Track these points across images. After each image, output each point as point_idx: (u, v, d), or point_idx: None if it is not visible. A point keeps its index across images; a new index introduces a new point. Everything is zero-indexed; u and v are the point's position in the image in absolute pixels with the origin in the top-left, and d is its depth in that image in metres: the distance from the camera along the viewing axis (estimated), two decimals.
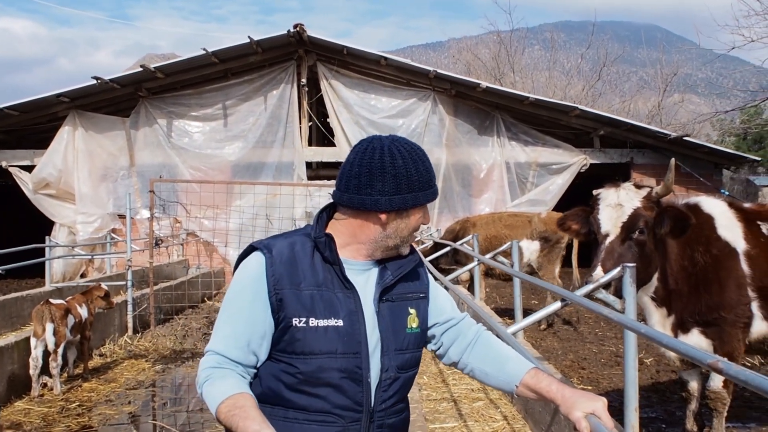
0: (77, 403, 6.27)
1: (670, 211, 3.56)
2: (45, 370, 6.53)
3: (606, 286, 3.38)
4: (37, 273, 13.78)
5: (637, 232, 3.53)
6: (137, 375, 7.41)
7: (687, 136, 15.53)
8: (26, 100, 14.70)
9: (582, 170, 15.47)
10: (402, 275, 1.86)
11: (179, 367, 7.69)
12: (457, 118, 15.74)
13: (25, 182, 15.03)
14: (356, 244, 1.82)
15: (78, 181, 14.92)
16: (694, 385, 4.08)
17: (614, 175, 13.68)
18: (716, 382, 3.84)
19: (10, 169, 15.13)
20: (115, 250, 13.98)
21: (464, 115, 15.80)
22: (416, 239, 12.84)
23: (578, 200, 3.82)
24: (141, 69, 14.48)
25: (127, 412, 6.19)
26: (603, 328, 8.61)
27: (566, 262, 9.99)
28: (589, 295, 3.26)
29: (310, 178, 15.30)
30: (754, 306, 3.85)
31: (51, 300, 6.71)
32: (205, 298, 11.85)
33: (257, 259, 1.78)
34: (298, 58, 15.32)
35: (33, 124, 15.50)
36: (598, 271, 3.38)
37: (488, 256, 7.10)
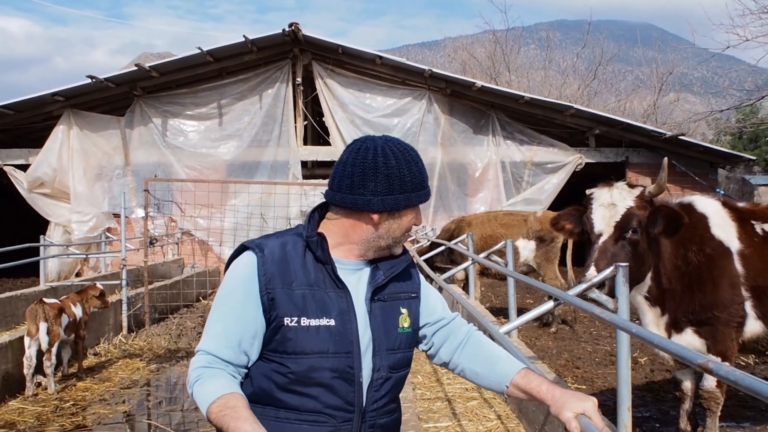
0: (71, 402, 6.26)
1: (663, 211, 3.56)
2: (39, 369, 6.52)
3: (600, 285, 3.38)
4: (32, 272, 13.73)
5: (630, 232, 3.53)
6: (132, 374, 7.40)
7: (682, 135, 15.56)
8: (21, 99, 14.65)
9: (577, 169, 15.51)
10: (394, 275, 1.86)
11: (174, 367, 7.67)
12: (453, 117, 15.75)
13: (20, 181, 14.98)
14: (348, 243, 1.81)
15: (73, 180, 14.89)
16: (687, 385, 4.08)
17: (610, 174, 13.71)
18: (710, 381, 3.85)
19: (5, 168, 15.08)
20: (110, 249, 13.95)
21: (459, 114, 15.80)
22: (411, 238, 12.86)
23: (573, 199, 3.83)
24: (136, 68, 14.44)
25: (122, 412, 6.18)
26: (598, 328, 8.62)
27: (561, 261, 9.99)
28: (582, 295, 3.26)
29: (305, 177, 15.29)
30: (748, 305, 3.86)
31: (45, 299, 6.69)
32: (200, 298, 11.84)
33: (249, 258, 1.77)
34: (293, 57, 15.30)
35: (28, 123, 15.44)
36: (592, 270, 3.38)
37: (482, 255, 7.10)
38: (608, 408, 4.63)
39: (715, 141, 29.48)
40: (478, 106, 15.76)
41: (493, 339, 3.38)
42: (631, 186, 3.67)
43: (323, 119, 15.77)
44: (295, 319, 1.72)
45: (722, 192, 17.16)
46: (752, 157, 18.76)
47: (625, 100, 31.53)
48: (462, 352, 1.96)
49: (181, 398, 6.57)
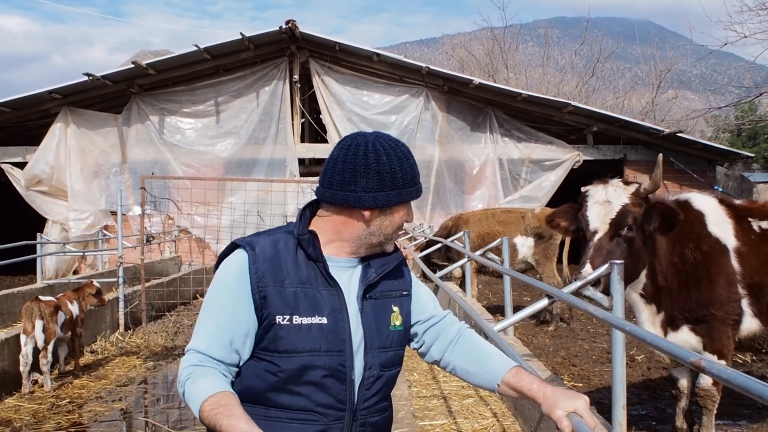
0: (68, 400, 6.25)
1: (658, 208, 3.54)
2: (36, 366, 6.51)
3: (595, 283, 3.37)
4: (30, 270, 13.72)
5: (625, 229, 3.52)
6: (128, 372, 7.38)
7: (680, 132, 15.56)
8: (18, 97, 14.63)
9: (575, 166, 15.50)
10: (385, 273, 1.85)
11: (170, 364, 7.66)
12: (450, 114, 15.73)
13: (18, 179, 14.97)
14: (340, 241, 1.80)
15: (70, 178, 14.87)
16: (684, 383, 4.08)
17: (607, 171, 13.69)
18: (706, 379, 3.84)
19: (3, 166, 15.07)
20: (108, 247, 13.93)
21: (457, 111, 15.78)
22: (409, 236, 12.84)
23: (571, 197, 3.81)
24: (133, 65, 14.40)
25: (118, 409, 6.17)
26: (595, 325, 8.62)
27: (558, 259, 9.98)
28: (577, 293, 3.24)
29: (302, 174, 15.28)
30: (744, 303, 3.85)
31: (41, 297, 6.68)
32: (197, 295, 11.82)
33: (240, 256, 1.76)
34: (290, 54, 15.27)
35: (25, 121, 15.43)
36: (587, 268, 3.37)
37: (478, 252, 7.08)
38: (604, 406, 4.63)
39: (714, 138, 29.45)
40: (475, 103, 15.74)
41: (486, 337, 3.37)
42: (627, 183, 3.66)
43: (320, 116, 15.74)
44: (287, 317, 1.71)
45: (720, 189, 17.16)
46: (750, 155, 18.75)
47: (623, 97, 31.51)
48: (453, 350, 1.94)
49: (177, 396, 6.55)
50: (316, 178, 1.98)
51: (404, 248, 14.07)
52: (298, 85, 15.35)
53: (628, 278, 3.57)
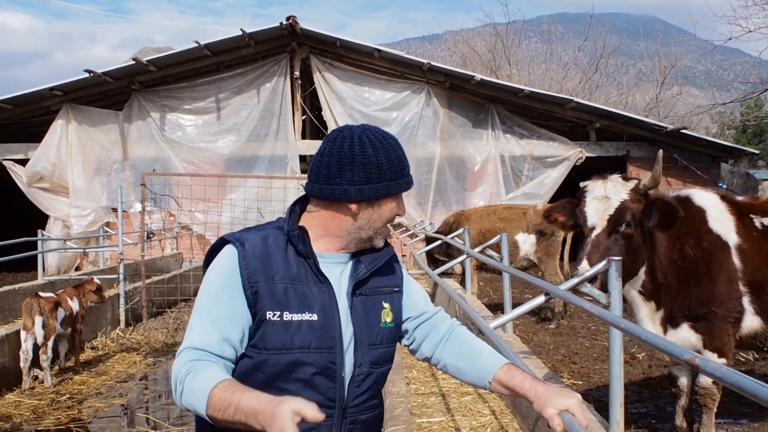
0: (67, 396, 6.28)
1: (657, 204, 3.50)
2: (36, 362, 6.53)
3: (592, 279, 3.33)
4: (32, 266, 13.74)
5: (624, 225, 3.47)
6: (128, 368, 7.40)
7: (684, 128, 15.47)
8: (19, 94, 14.64)
9: (578, 163, 15.44)
10: (376, 268, 1.82)
11: (171, 361, 7.65)
12: (452, 110, 15.68)
13: (20, 176, 15.00)
14: (329, 236, 1.77)
15: (72, 175, 14.89)
16: (683, 381, 4.04)
17: (610, 168, 13.60)
18: (706, 377, 3.80)
19: (5, 163, 15.09)
20: (109, 244, 13.94)
21: (458, 107, 15.73)
22: (410, 233, 12.80)
23: (574, 194, 3.77)
24: (133, 62, 14.39)
25: (118, 405, 6.18)
26: (596, 323, 8.57)
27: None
28: (574, 290, 3.21)
29: (303, 171, 15.23)
30: (746, 301, 3.80)
31: (40, 293, 6.69)
32: (198, 292, 11.81)
33: (230, 252, 1.73)
34: (291, 50, 15.24)
35: (26, 118, 15.44)
36: (584, 264, 3.33)
37: (477, 249, 7.05)
38: (604, 404, 4.57)
39: (719, 135, 29.30)
40: (477, 99, 15.68)
41: (482, 334, 3.34)
42: (626, 179, 3.62)
43: (321, 113, 15.71)
44: (278, 313, 1.68)
45: (725, 186, 17.06)
46: (755, 151, 18.61)
47: (626, 93, 31.38)
48: (444, 347, 1.91)
49: None
50: None
51: (397, 238, 14.03)
52: (299, 82, 15.32)
53: (627, 275, 3.53)
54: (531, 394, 1.69)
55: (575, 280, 3.19)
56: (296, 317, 1.69)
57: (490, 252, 7.61)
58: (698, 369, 1.46)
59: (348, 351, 1.74)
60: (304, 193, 1.84)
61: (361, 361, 1.75)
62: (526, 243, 9.42)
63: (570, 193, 3.91)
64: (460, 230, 8.67)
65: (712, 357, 3.73)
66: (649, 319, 3.80)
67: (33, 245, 11.32)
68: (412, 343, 1.97)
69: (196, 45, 14.04)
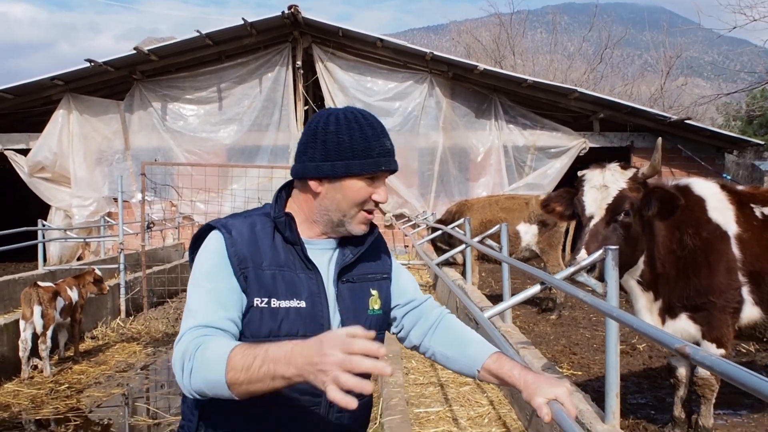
0: (66, 386, 6.29)
1: (657, 193, 3.45)
2: (35, 352, 6.53)
3: (591, 269, 3.30)
4: (34, 257, 13.77)
5: (622, 215, 3.43)
6: (128, 358, 7.41)
7: (688, 119, 15.35)
8: (20, 83, 14.60)
9: (581, 154, 15.35)
10: (361, 254, 1.78)
11: (171, 351, 7.63)
12: (454, 100, 15.60)
13: (21, 166, 15.00)
14: (307, 221, 1.74)
15: (73, 165, 14.88)
16: (682, 372, 4.00)
17: (614, 159, 13.51)
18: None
19: (6, 153, 15.09)
20: (110, 234, 13.95)
21: (461, 97, 15.65)
22: (411, 223, 12.73)
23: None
24: (135, 51, 14.33)
25: (116, 395, 6.18)
26: (598, 314, 8.53)
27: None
28: (571, 279, 3.17)
29: None
30: (745, 291, 3.76)
31: (39, 283, 6.69)
32: None
33: (218, 238, 1.68)
34: (293, 40, 15.16)
35: (28, 108, 15.42)
36: (582, 253, 3.29)
37: (476, 239, 7.00)
38: (603, 394, 4.55)
39: (725, 126, 29.11)
40: (480, 89, 15.59)
41: (477, 324, 3.31)
42: (625, 167, 3.57)
43: (324, 103, 15.65)
44: (265, 300, 1.64)
45: (729, 177, 16.96)
46: (760, 142, 18.47)
47: (631, 84, 31.19)
48: (433, 335, 1.88)
49: (176, 382, 6.55)
50: None
51: (399, 228, 13.95)
52: (301, 72, 15.25)
53: (626, 265, 3.49)
54: (520, 383, 1.65)
55: (571, 269, 3.15)
56: (284, 304, 1.65)
57: (490, 242, 7.56)
58: (689, 358, 1.43)
59: None
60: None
61: None
62: (528, 233, 9.35)
63: (573, 184, 3.86)
64: (461, 220, 8.63)
65: (711, 347, 3.70)
66: (647, 309, 3.76)
67: (33, 235, 11.33)
68: (400, 331, 1.93)
69: (197, 34, 13.98)
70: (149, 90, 15.27)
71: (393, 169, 1.72)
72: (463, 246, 7.23)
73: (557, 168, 15.35)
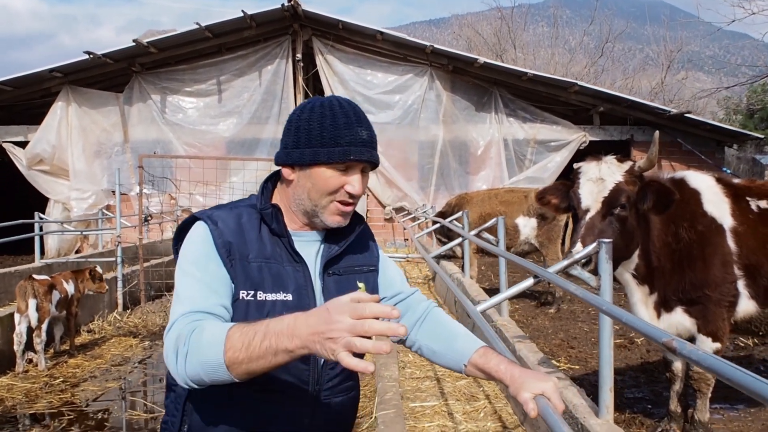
0: (61, 379, 6.25)
1: (653, 186, 3.42)
2: (30, 345, 6.50)
3: (587, 262, 3.27)
4: (32, 249, 13.76)
5: (618, 208, 3.41)
6: (124, 351, 7.38)
7: (688, 113, 15.31)
8: (19, 75, 14.57)
9: (581, 147, 15.31)
10: (348, 246, 1.75)
11: None
12: (455, 94, 15.54)
13: (19, 158, 14.97)
14: (288, 211, 1.72)
15: (72, 157, 14.85)
16: (678, 366, 3.97)
17: (614, 152, 13.48)
18: None
19: (4, 145, 15.06)
20: (109, 227, 13.93)
21: (462, 91, 15.59)
22: (411, 216, 12.69)
23: None
24: (134, 44, 14.28)
25: (112, 389, 6.15)
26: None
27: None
28: (567, 273, 3.14)
29: None
30: (741, 284, 3.73)
31: (35, 276, 6.65)
32: None
33: (203, 229, 1.64)
34: (293, 32, 15.10)
35: (26, 100, 15.38)
36: (578, 246, 3.27)
37: (473, 232, 6.97)
38: (596, 388, 4.54)
39: (726, 120, 29.03)
40: (480, 83, 15.54)
41: (468, 317, 3.28)
42: (621, 160, 3.54)
43: (324, 96, 15.60)
44: (251, 293, 1.61)
45: (729, 171, 16.91)
46: (760, 136, 18.42)
47: (632, 77, 31.09)
48: (420, 329, 1.85)
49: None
50: None
51: (398, 222, 13.89)
52: (301, 64, 15.20)
53: (621, 258, 3.47)
54: (506, 377, 1.62)
55: (565, 262, 3.13)
56: (270, 297, 1.62)
57: (487, 235, 7.53)
58: (675, 352, 1.40)
59: None
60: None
61: None
62: (527, 227, 9.31)
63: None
64: (459, 214, 8.60)
65: (706, 341, 3.67)
66: (642, 302, 3.73)
67: (30, 228, 11.30)
68: None
69: (197, 26, 13.92)
70: (148, 82, 15.22)
71: (364, 160, 1.64)
72: (460, 239, 7.20)
73: (557, 161, 15.31)
